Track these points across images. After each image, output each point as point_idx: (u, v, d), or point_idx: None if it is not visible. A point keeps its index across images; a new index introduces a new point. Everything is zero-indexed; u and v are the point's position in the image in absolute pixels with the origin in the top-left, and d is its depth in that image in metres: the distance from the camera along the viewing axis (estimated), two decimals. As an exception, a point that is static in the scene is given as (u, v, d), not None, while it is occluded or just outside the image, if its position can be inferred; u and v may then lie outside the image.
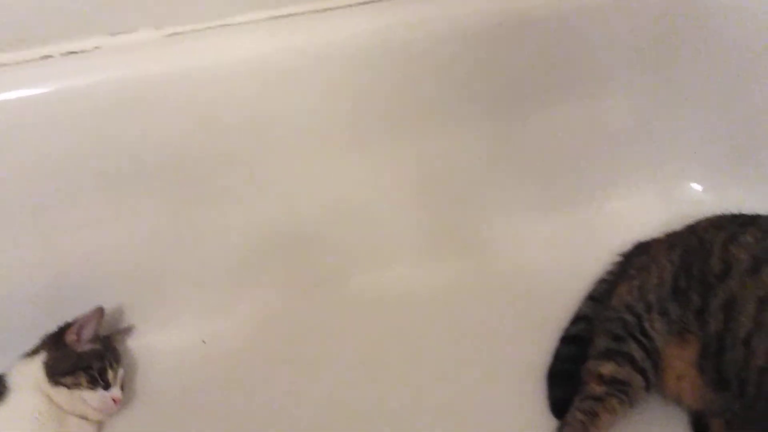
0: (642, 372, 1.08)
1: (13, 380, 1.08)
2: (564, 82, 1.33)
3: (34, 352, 1.12)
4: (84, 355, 1.11)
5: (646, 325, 1.10)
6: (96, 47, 1.10)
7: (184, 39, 1.14)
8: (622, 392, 1.07)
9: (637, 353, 1.09)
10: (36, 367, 1.09)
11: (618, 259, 1.26)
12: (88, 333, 1.13)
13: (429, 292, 1.33)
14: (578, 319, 1.22)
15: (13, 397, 1.06)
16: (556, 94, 1.33)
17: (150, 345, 1.23)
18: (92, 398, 1.08)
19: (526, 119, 1.34)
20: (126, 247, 1.21)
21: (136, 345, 1.24)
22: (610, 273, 1.25)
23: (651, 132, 1.37)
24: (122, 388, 1.13)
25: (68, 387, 1.07)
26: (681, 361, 1.07)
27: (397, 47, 1.21)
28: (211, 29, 1.15)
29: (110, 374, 1.11)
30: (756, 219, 1.12)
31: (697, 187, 1.38)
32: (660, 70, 1.33)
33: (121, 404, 1.11)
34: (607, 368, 1.09)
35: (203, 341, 1.23)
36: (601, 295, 1.22)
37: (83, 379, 1.08)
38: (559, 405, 1.11)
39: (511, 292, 1.32)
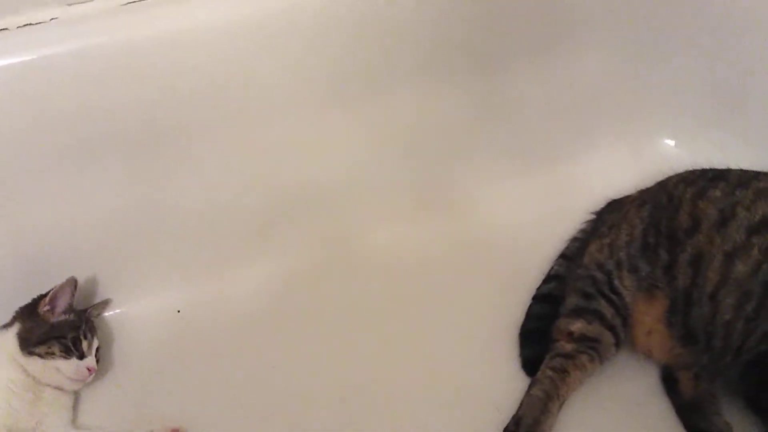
0: (611, 329, 1.09)
1: None
2: (543, 39, 1.32)
3: (8, 324, 1.12)
4: (57, 325, 1.11)
5: (616, 282, 1.11)
6: (53, 18, 1.09)
7: (142, 6, 1.12)
8: (591, 349, 1.08)
9: (607, 310, 1.10)
10: (9, 339, 1.09)
11: (590, 216, 1.26)
12: (61, 304, 1.14)
13: (410, 251, 1.34)
14: (550, 277, 1.23)
15: None
16: (535, 51, 1.32)
17: (125, 316, 1.23)
18: (66, 367, 1.09)
19: (507, 77, 1.33)
20: (98, 219, 1.21)
21: (111, 316, 1.24)
22: (583, 231, 1.26)
23: (625, 89, 1.36)
24: (97, 359, 1.13)
25: (42, 357, 1.08)
26: (650, 317, 1.08)
27: (378, 4, 1.19)
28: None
29: (84, 344, 1.11)
30: (726, 173, 1.12)
31: (669, 142, 1.38)
32: (636, 28, 1.32)
33: (95, 374, 1.12)
34: (577, 326, 1.10)
35: (178, 311, 1.23)
36: (574, 253, 1.22)
37: (56, 349, 1.08)
38: (530, 363, 1.12)
39: (488, 250, 1.33)
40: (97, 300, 1.24)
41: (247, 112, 1.22)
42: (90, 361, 1.11)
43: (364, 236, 1.35)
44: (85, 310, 1.18)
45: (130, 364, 1.18)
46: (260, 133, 1.24)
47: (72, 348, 1.09)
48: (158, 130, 1.19)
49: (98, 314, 1.23)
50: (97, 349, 1.14)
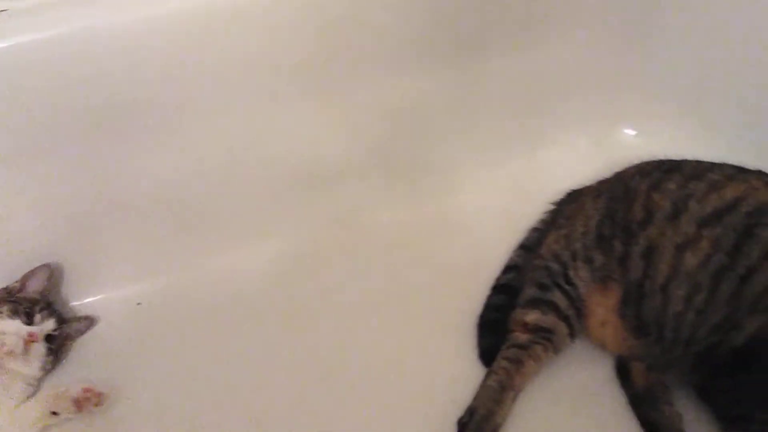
0: (566, 319, 1.10)
1: None
2: (511, 30, 1.31)
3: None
4: (20, 298, 1.13)
5: (571, 273, 1.11)
6: (3, 10, 1.07)
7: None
8: (546, 339, 1.09)
9: (561, 301, 1.10)
10: None
11: (550, 207, 1.26)
12: (31, 285, 1.16)
13: (378, 238, 1.34)
14: (509, 268, 1.23)
15: None
16: (504, 42, 1.32)
17: (86, 309, 1.23)
18: (7, 326, 1.09)
19: (477, 66, 1.33)
20: (54, 209, 1.20)
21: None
22: (542, 222, 1.26)
23: (588, 79, 1.36)
24: (58, 348, 1.14)
25: None
26: (604, 308, 1.09)
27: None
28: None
29: (37, 317, 1.12)
30: (681, 165, 1.12)
31: (630, 132, 1.38)
32: (601, 19, 1.32)
33: (36, 341, 1.10)
34: (532, 316, 1.11)
35: (138, 303, 1.23)
36: (533, 243, 1.23)
37: (6, 308, 1.10)
38: (487, 353, 1.13)
39: (451, 239, 1.34)
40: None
41: (225, 98, 1.21)
42: (34, 329, 1.11)
43: (332, 223, 1.35)
44: (64, 317, 1.18)
45: (91, 358, 1.17)
46: (233, 120, 1.23)
47: (21, 313, 1.10)
48: (120, 115, 1.17)
49: (78, 328, 1.21)
50: (56, 338, 1.13)
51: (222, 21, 1.14)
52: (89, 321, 1.22)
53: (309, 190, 1.33)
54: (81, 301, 1.24)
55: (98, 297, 1.24)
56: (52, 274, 1.19)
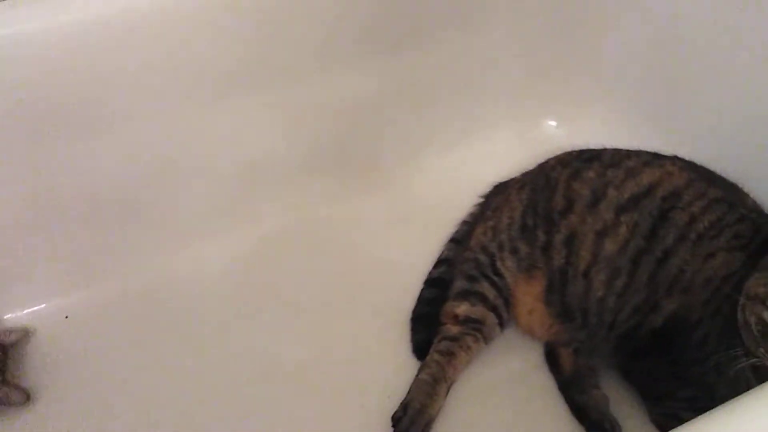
0: (494, 310, 1.12)
1: None
2: (437, 22, 1.31)
3: None
4: None
5: (498, 264, 1.13)
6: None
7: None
8: (476, 330, 1.11)
9: (489, 292, 1.12)
10: None
11: (479, 200, 1.28)
12: None
13: (314, 233, 1.34)
14: (440, 261, 1.24)
15: None
16: (428, 35, 1.32)
17: (21, 321, 1.20)
18: None
19: (404, 61, 1.33)
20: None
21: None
22: (471, 215, 1.28)
23: (511, 72, 1.38)
24: None
25: None
26: (530, 296, 1.11)
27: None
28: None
29: None
30: (600, 153, 1.15)
31: (552, 123, 1.41)
32: (522, 12, 1.33)
33: None
34: (462, 308, 1.12)
35: (66, 317, 1.20)
36: (462, 237, 1.25)
37: None
38: (421, 347, 1.14)
39: (383, 238, 1.33)
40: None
41: (165, 97, 1.19)
42: None
43: (272, 220, 1.34)
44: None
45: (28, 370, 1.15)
46: (173, 120, 1.21)
47: None
48: (54, 120, 1.13)
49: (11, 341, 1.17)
50: None
51: (156, 21, 1.12)
52: (23, 333, 1.19)
53: (251, 188, 1.32)
54: (15, 313, 1.21)
55: (34, 308, 1.21)
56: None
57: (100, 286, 1.23)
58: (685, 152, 1.12)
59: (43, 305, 1.21)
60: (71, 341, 1.18)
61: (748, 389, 0.68)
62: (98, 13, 1.10)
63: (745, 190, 1.08)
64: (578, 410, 1.06)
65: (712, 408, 0.91)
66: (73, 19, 1.09)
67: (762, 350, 0.82)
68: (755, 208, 1.04)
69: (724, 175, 1.09)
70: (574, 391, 1.07)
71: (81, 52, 1.10)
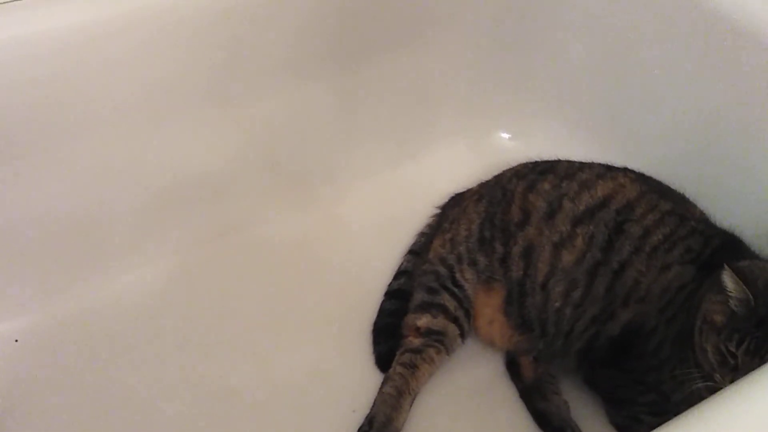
0: (455, 321, 1.13)
1: None
2: (392, 37, 1.32)
3: None
4: None
5: (458, 275, 1.15)
6: None
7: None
8: (438, 342, 1.12)
9: (450, 303, 1.14)
10: None
11: (435, 212, 1.29)
12: None
13: (271, 247, 1.32)
14: (400, 273, 1.25)
15: None
16: (384, 49, 1.33)
17: None
18: None
19: (357, 76, 1.33)
20: None
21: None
22: (428, 226, 1.29)
23: (463, 84, 1.40)
24: None
25: None
26: (490, 307, 1.13)
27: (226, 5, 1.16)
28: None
29: None
30: (555, 165, 1.18)
31: (505, 135, 1.44)
32: (475, 24, 1.35)
33: None
34: (423, 320, 1.13)
35: (16, 340, 1.16)
36: (420, 248, 1.26)
37: None
38: (384, 359, 1.15)
39: (341, 246, 1.33)
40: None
41: (115, 115, 1.16)
42: None
43: (226, 234, 1.32)
44: None
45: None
46: (113, 137, 1.18)
47: None
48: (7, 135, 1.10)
49: None
50: None
51: (107, 35, 1.10)
52: None
53: (197, 203, 1.29)
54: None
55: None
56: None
57: (51, 308, 1.19)
58: (635, 163, 1.16)
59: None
60: (21, 365, 1.14)
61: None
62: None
63: (692, 199, 1.12)
64: (540, 417, 1.08)
65: (671, 412, 0.97)
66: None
67: (718, 375, 0.87)
68: (702, 218, 1.08)
69: (672, 185, 1.13)
70: (536, 398, 1.10)
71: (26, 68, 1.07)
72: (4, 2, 1.08)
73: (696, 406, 0.69)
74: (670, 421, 0.67)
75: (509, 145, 1.41)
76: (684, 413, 0.68)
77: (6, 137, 1.10)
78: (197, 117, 1.23)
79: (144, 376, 1.14)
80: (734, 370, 0.86)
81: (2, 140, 1.10)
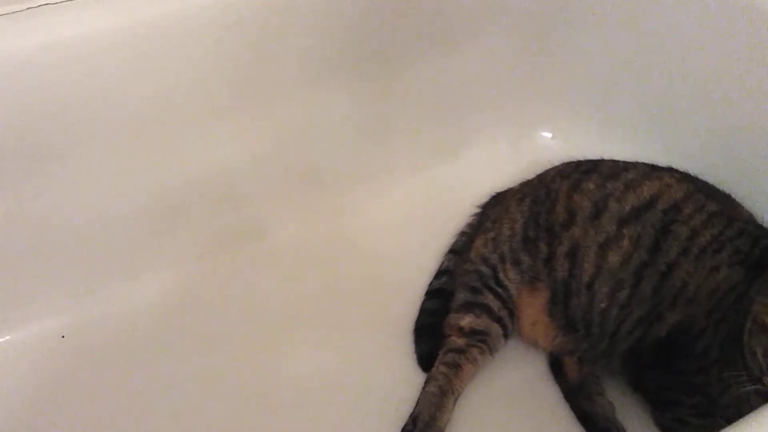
0: (499, 321, 1.13)
1: None
2: (425, 39, 1.32)
3: None
4: None
5: (501, 275, 1.15)
6: None
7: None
8: (482, 342, 1.12)
9: (494, 303, 1.14)
10: None
11: (476, 211, 1.29)
12: None
13: (306, 252, 1.33)
14: (441, 272, 1.25)
15: None
16: (417, 52, 1.32)
17: (5, 346, 1.17)
18: None
19: (394, 77, 1.33)
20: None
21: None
22: (469, 225, 1.29)
23: (503, 83, 1.39)
24: None
25: None
26: (533, 308, 1.13)
27: (249, 10, 1.16)
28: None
29: None
30: (598, 165, 1.17)
31: (546, 134, 1.43)
32: (514, 24, 1.34)
33: None
34: (466, 320, 1.13)
35: (62, 336, 1.18)
36: (461, 248, 1.26)
37: None
38: (426, 359, 1.15)
39: (382, 247, 1.34)
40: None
41: (134, 122, 1.17)
42: None
43: (259, 238, 1.33)
44: None
45: (12, 395, 1.12)
46: (138, 146, 1.19)
47: None
48: (31, 145, 1.11)
49: None
50: None
51: (128, 45, 1.11)
52: None
53: (227, 205, 1.30)
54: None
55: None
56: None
57: (97, 305, 1.21)
58: (679, 163, 1.15)
59: (38, 325, 1.18)
60: (68, 362, 1.16)
61: (750, 410, 0.70)
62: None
63: (737, 199, 1.11)
64: (585, 418, 1.08)
65: (717, 415, 0.96)
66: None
67: (767, 378, 0.86)
68: (750, 219, 1.07)
69: (717, 185, 1.12)
70: (580, 399, 1.09)
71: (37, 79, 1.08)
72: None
73: (752, 414, 0.68)
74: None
75: (551, 144, 1.41)
76: (738, 422, 0.67)
77: (39, 144, 1.12)
78: (229, 121, 1.24)
79: (173, 377, 1.15)
80: (783, 374, 0.85)
81: (44, 147, 1.12)
